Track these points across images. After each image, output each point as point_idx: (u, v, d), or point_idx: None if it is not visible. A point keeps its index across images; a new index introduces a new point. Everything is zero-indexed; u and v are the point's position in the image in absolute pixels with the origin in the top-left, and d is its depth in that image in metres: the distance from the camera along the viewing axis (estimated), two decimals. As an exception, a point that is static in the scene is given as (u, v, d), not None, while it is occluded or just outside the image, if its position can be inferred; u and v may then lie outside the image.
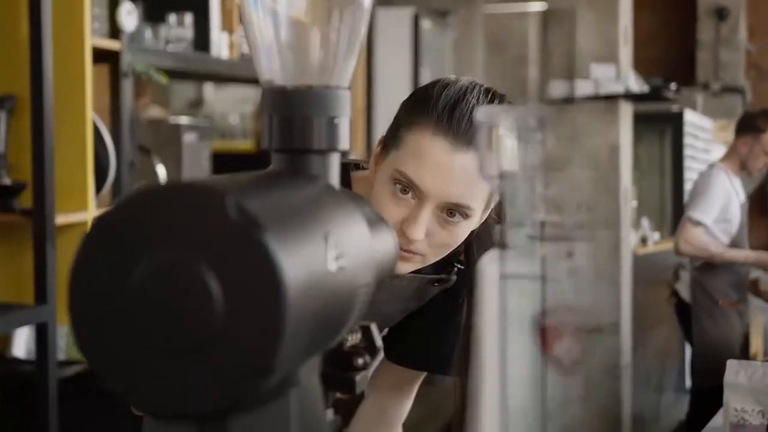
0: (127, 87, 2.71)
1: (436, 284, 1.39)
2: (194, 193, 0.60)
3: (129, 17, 2.68)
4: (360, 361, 0.84)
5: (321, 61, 0.79)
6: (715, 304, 4.22)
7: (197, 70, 3.23)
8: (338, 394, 0.80)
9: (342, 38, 0.79)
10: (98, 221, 0.60)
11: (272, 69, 0.79)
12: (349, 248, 0.71)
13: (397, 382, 1.52)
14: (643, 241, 5.52)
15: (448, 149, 1.20)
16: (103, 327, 0.60)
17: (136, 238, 0.60)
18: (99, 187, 2.62)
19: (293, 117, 0.77)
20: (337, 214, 0.72)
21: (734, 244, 4.21)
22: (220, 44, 3.29)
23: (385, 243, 0.82)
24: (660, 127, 7.13)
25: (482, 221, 1.30)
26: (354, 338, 0.85)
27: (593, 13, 5.66)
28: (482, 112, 0.67)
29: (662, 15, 6.60)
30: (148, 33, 3.03)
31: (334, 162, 0.79)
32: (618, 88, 5.73)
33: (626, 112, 5.95)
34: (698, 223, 4.11)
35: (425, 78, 6.39)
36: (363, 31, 0.80)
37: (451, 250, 1.28)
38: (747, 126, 4.24)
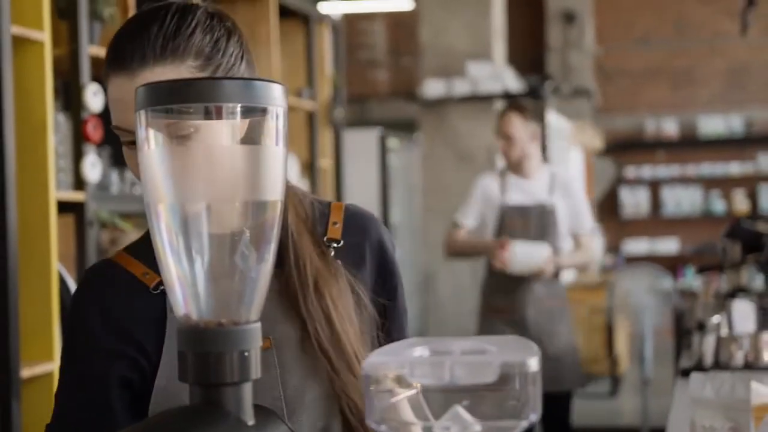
0: (92, 235, 2.78)
1: None
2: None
3: (93, 169, 2.77)
4: None
5: (231, 298, 0.85)
6: (480, 314, 4.12)
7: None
8: None
9: (248, 278, 0.85)
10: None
11: (187, 306, 0.85)
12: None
13: None
14: None
15: (127, 78, 1.15)
16: None
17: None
18: (65, 335, 2.65)
19: (207, 354, 0.83)
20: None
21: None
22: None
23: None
24: None
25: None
26: None
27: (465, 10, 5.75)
28: (369, 365, 0.73)
29: (510, 18, 6.74)
30: (114, 176, 3.12)
31: (247, 391, 0.84)
32: (495, 87, 5.77)
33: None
34: (456, 225, 4.10)
35: (394, 194, 6.54)
36: (269, 269, 0.86)
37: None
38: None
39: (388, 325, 1.31)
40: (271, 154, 0.85)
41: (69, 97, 2.89)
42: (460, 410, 0.74)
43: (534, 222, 3.97)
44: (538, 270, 3.90)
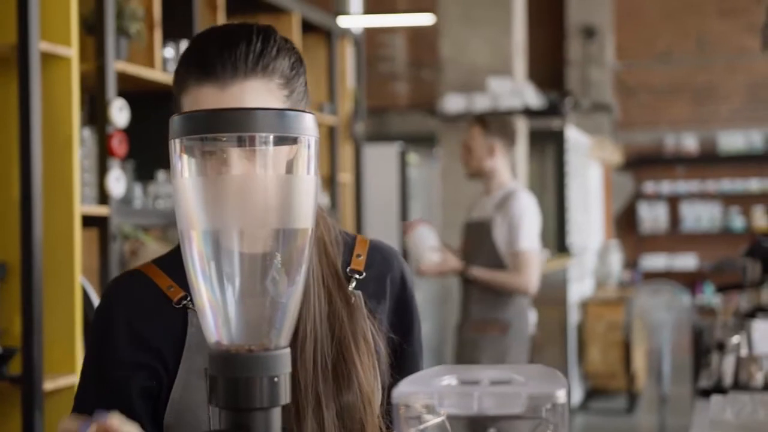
0: (115, 249, 2.81)
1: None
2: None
3: (117, 184, 2.79)
4: None
5: (262, 324, 0.86)
6: None
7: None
8: None
9: (279, 303, 0.86)
10: None
11: (218, 331, 0.87)
12: None
13: None
14: None
15: (217, 89, 1.17)
16: None
17: None
18: (88, 347, 2.68)
19: (237, 379, 0.84)
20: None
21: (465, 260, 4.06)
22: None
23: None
24: (540, 144, 7.14)
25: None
26: None
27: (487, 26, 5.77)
28: (399, 394, 0.75)
29: (530, 33, 6.75)
30: (138, 190, 3.14)
31: (276, 416, 0.85)
32: (516, 102, 5.81)
33: (522, 128, 6.02)
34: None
35: (413, 208, 6.55)
36: (299, 294, 0.87)
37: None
38: None
39: (402, 358, 1.32)
40: (302, 183, 0.87)
41: (94, 112, 2.92)
42: (487, 439, 0.75)
43: (473, 237, 4.05)
44: (418, 262, 3.98)
